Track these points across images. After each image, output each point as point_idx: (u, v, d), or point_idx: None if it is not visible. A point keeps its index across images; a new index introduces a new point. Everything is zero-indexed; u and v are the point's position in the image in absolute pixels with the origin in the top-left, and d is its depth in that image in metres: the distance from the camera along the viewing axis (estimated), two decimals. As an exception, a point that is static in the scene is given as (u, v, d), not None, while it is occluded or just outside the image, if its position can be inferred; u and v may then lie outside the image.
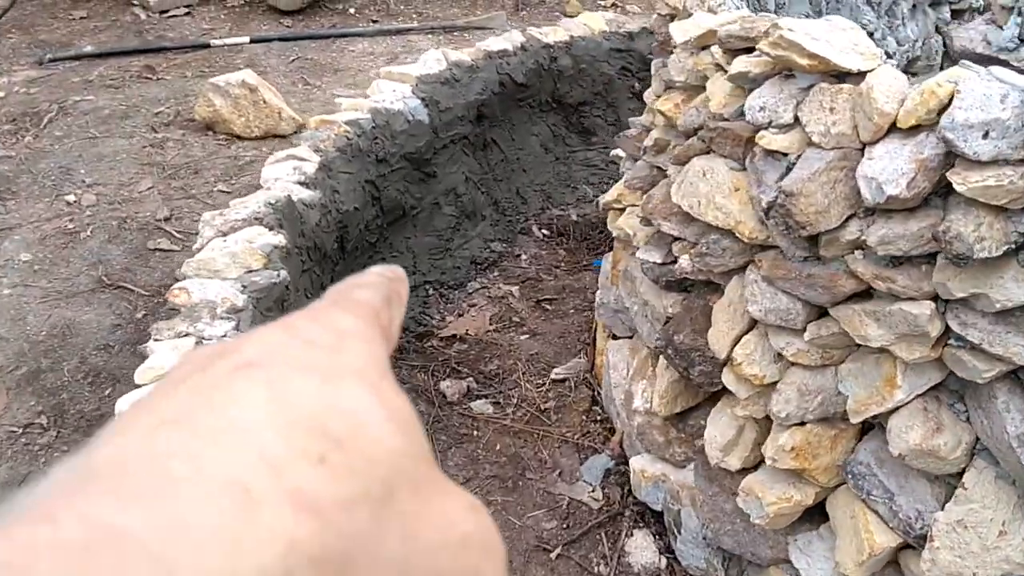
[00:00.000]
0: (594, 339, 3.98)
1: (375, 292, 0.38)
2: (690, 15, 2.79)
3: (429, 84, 4.45)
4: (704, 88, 2.69)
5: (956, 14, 4.25)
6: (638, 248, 2.99)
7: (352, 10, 8.58)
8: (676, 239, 2.80)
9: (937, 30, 3.65)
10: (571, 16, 8.27)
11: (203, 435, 0.27)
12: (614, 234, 3.35)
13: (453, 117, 4.59)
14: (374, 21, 8.37)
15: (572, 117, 5.46)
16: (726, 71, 2.48)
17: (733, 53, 2.47)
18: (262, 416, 0.27)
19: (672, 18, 3.00)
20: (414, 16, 8.45)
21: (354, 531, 0.26)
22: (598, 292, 3.79)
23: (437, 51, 4.81)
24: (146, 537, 0.22)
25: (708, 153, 2.59)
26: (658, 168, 3.03)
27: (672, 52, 2.89)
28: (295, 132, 6.37)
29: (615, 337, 3.59)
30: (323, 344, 0.32)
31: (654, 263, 2.88)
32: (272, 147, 5.69)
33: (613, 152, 4.27)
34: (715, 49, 2.54)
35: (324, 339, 0.32)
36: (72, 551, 0.22)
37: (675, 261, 2.82)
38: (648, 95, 3.25)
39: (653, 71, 3.22)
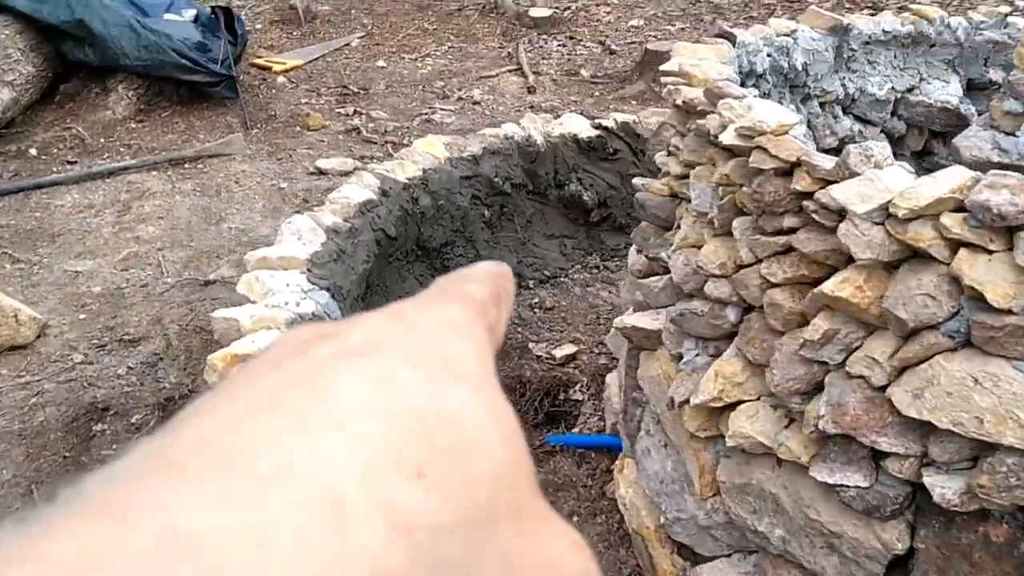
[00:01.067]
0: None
1: (484, 287, 0.35)
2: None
3: (322, 266, 3.37)
4: (895, 265, 2.14)
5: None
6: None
7: (34, 151, 6.77)
8: (889, 454, 2.20)
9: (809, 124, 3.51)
10: (313, 130, 7.32)
11: (296, 427, 0.24)
12: (732, 443, 2.63)
13: (352, 299, 3.54)
14: (71, 162, 6.66)
15: (436, 262, 4.62)
16: (987, 251, 1.95)
17: (992, 230, 1.94)
18: (363, 412, 0.25)
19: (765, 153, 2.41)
20: (122, 149, 6.88)
21: (448, 560, 0.23)
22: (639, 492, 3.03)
23: (302, 216, 3.71)
24: (224, 550, 0.20)
25: (955, 351, 2.04)
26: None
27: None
28: (39, 337, 4.73)
29: (698, 559, 2.87)
30: (433, 337, 0.29)
31: (858, 487, 2.24)
32: (14, 366, 4.17)
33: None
34: (950, 221, 2.00)
35: (434, 332, 0.29)
36: (140, 563, 0.19)
37: (876, 480, 2.22)
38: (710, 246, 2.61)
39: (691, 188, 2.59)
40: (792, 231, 2.43)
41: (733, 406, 2.63)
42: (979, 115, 4.89)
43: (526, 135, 5.08)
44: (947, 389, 2.03)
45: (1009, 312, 1.93)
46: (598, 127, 5.37)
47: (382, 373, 0.26)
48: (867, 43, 4.03)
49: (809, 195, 2.34)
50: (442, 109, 7.62)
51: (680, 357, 2.89)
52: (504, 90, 8.16)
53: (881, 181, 2.13)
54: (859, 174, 2.19)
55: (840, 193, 2.17)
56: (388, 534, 0.22)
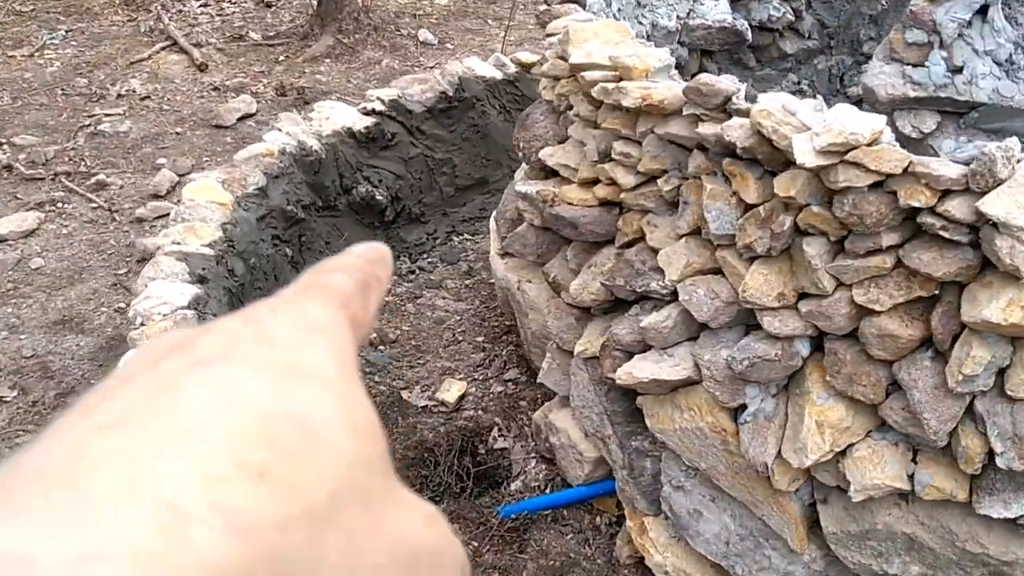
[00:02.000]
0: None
1: (349, 276, 0.35)
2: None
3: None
4: None
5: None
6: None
7: None
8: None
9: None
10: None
11: (141, 442, 0.25)
12: (860, 497, 2.25)
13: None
14: None
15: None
16: None
17: None
18: (207, 421, 0.25)
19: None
20: None
21: (289, 551, 0.24)
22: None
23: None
24: (52, 571, 0.21)
25: None
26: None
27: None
28: None
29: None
30: (285, 340, 0.30)
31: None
32: None
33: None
34: None
35: (287, 334, 0.30)
36: None
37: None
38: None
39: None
40: (890, 249, 2.07)
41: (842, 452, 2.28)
42: (777, 33, 4.88)
43: (298, 143, 4.13)
44: None
45: None
46: (368, 113, 4.55)
47: (228, 381, 0.27)
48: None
49: (921, 209, 1.98)
50: (106, 115, 6.08)
51: (740, 408, 2.46)
52: (168, 74, 6.74)
53: (1044, 186, 1.83)
54: (1003, 180, 1.87)
55: (996, 207, 1.83)
56: (225, 536, 0.23)
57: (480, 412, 3.71)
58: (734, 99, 2.30)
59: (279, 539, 0.24)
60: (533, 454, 3.53)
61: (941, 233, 1.96)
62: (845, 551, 2.42)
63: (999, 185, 1.86)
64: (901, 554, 2.34)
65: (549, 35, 3.13)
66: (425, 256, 4.80)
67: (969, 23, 2.93)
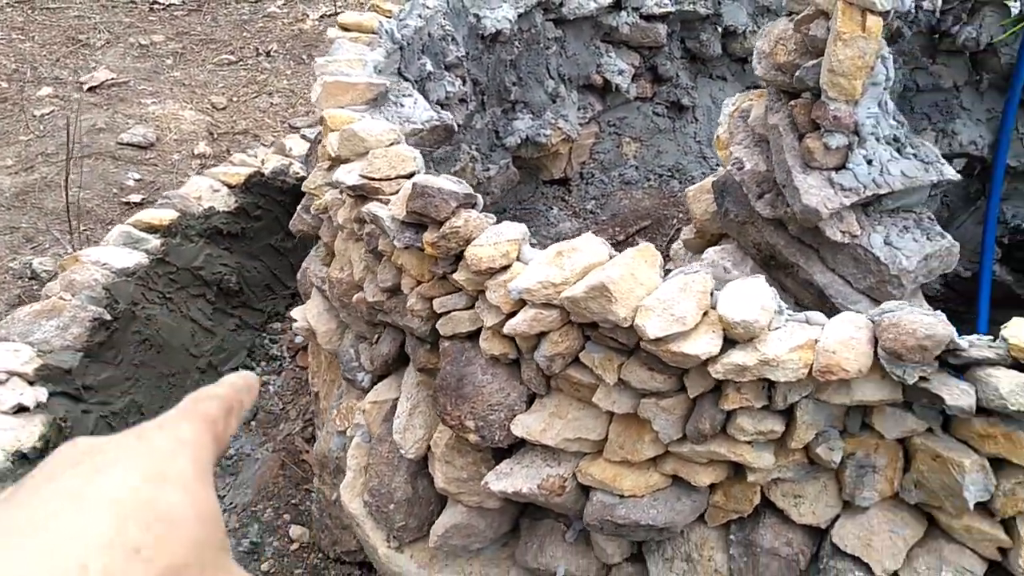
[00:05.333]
0: None
1: (219, 404, 0.49)
2: None
3: None
4: None
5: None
6: None
7: None
8: None
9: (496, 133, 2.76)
10: None
11: (63, 515, 0.37)
12: None
13: None
14: None
15: None
16: None
17: None
18: (104, 513, 0.38)
19: None
20: None
21: None
22: None
23: None
24: None
25: None
26: None
27: None
28: None
29: None
30: (162, 450, 0.43)
31: None
32: None
33: None
34: None
35: (164, 446, 0.43)
36: None
37: None
38: None
39: None
40: None
41: None
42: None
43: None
44: None
45: None
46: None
47: (119, 483, 0.41)
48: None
49: None
50: None
51: None
52: None
53: None
54: None
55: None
56: None
57: None
58: (958, 341, 1.71)
59: None
60: None
61: None
62: None
63: None
64: None
65: (487, 271, 2.08)
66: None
67: (876, 115, 2.68)
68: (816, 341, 1.78)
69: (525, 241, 2.18)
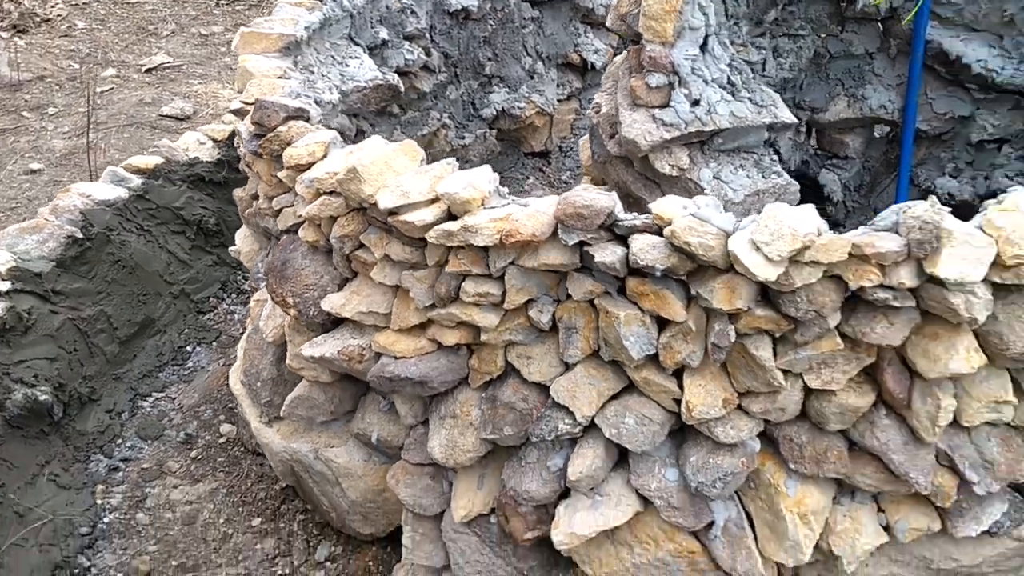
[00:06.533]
0: None
1: None
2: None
3: None
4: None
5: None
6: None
7: None
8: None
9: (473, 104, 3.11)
10: None
11: None
12: None
13: None
14: None
15: None
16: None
17: None
18: None
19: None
20: None
21: None
22: None
23: None
24: None
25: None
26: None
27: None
28: None
29: None
30: None
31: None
32: None
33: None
34: None
35: None
36: None
37: None
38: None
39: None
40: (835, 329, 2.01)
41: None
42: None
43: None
44: None
45: None
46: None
47: None
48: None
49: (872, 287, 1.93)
50: None
51: (710, 526, 2.26)
52: None
53: (977, 237, 1.88)
54: (945, 242, 1.88)
55: (951, 270, 1.85)
56: None
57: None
58: (615, 213, 2.04)
59: None
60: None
61: (892, 303, 1.93)
62: None
63: (942, 249, 1.87)
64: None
65: (297, 167, 2.53)
66: (119, 442, 3.80)
67: (695, 57, 2.98)
68: (511, 214, 2.13)
69: (336, 144, 2.61)
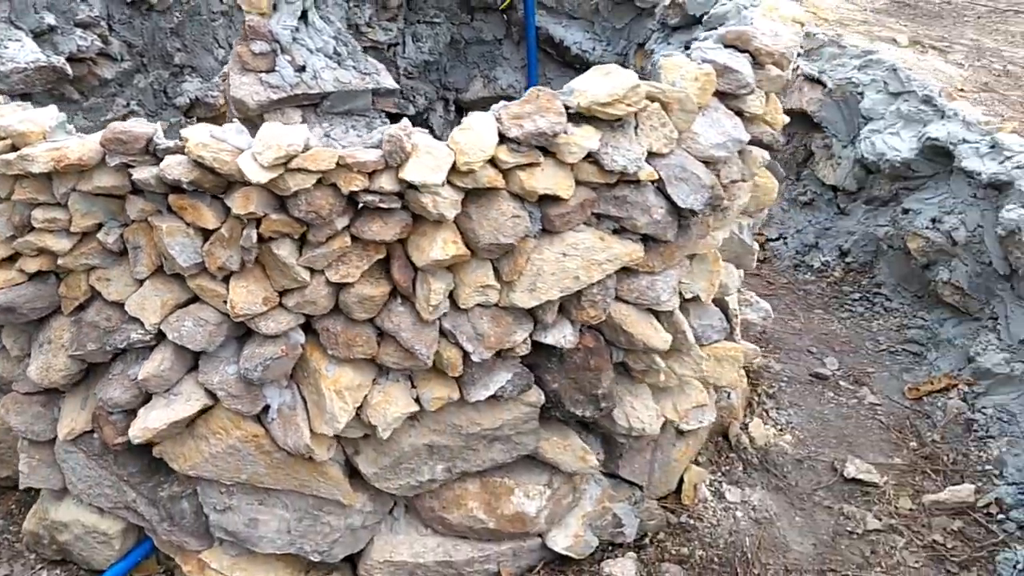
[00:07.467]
0: None
1: None
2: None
3: None
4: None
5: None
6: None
7: None
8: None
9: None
10: None
11: None
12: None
13: None
14: None
15: None
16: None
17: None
18: None
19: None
20: None
21: None
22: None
23: None
24: None
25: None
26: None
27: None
28: None
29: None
30: None
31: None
32: None
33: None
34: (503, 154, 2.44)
35: None
36: None
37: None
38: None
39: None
40: (344, 230, 2.46)
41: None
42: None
43: None
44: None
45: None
46: None
47: None
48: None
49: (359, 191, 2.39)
50: None
51: (264, 410, 2.64)
52: None
53: (439, 148, 2.39)
54: (411, 153, 2.37)
55: (415, 175, 2.34)
56: None
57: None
58: (155, 139, 2.39)
59: None
60: (40, 566, 3.17)
61: (380, 205, 2.40)
62: (386, 482, 2.84)
63: (409, 158, 2.36)
64: (427, 461, 2.85)
65: None
66: None
67: (297, 28, 3.40)
68: (65, 144, 2.43)
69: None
